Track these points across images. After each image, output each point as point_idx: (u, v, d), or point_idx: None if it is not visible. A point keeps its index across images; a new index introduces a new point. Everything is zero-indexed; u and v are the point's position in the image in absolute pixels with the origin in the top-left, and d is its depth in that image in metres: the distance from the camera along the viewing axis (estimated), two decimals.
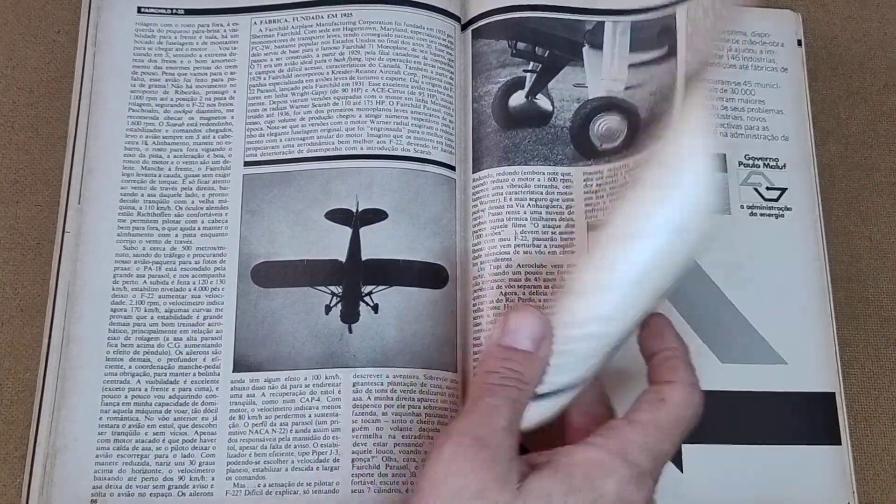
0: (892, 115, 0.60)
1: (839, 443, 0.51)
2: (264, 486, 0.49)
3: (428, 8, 0.56)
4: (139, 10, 0.56)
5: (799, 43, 0.59)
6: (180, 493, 0.48)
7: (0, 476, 0.51)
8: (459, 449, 0.36)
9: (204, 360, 0.51)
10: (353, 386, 0.50)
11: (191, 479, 0.49)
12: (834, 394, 0.51)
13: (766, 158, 0.55)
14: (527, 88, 0.55)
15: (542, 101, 0.55)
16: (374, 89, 0.54)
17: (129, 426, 0.49)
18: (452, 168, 0.54)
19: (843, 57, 0.62)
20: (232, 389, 0.50)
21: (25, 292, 0.54)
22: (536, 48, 0.56)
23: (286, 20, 0.56)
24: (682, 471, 0.49)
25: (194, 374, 0.50)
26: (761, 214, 0.54)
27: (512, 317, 0.40)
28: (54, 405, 0.49)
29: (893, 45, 0.62)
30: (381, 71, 0.54)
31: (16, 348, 0.53)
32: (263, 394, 0.50)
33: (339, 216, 0.52)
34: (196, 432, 0.49)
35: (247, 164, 0.54)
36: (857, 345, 0.56)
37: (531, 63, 0.55)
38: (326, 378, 0.50)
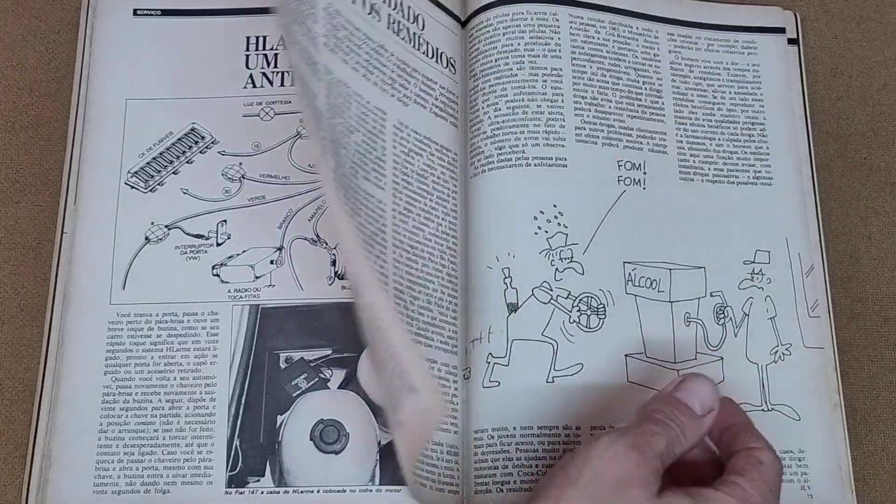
0: (891, 115, 0.60)
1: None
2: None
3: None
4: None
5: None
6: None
7: (0, 476, 0.51)
8: (617, 444, 0.41)
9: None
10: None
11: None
12: None
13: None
14: None
15: None
16: None
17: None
18: None
19: (842, 57, 0.62)
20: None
21: (25, 292, 0.54)
22: None
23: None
24: None
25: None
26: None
27: (693, 380, 0.44)
28: (51, 405, 0.50)
29: (893, 44, 0.62)
30: None
31: (16, 348, 0.53)
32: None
33: None
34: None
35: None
36: (857, 345, 0.56)
37: None
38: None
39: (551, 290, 0.52)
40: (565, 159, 0.54)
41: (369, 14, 0.51)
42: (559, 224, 0.53)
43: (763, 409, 0.52)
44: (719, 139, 0.56)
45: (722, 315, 0.53)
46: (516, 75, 0.55)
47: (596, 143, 0.55)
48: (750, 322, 0.54)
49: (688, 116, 0.57)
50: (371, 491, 0.48)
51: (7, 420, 0.52)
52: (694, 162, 0.56)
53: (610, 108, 0.55)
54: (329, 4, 0.48)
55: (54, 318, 0.51)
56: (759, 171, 0.56)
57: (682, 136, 0.56)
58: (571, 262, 0.52)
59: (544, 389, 0.50)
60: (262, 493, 0.49)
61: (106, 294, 0.52)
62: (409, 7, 0.55)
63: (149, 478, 0.49)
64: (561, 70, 0.55)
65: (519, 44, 0.55)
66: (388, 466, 0.49)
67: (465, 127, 0.55)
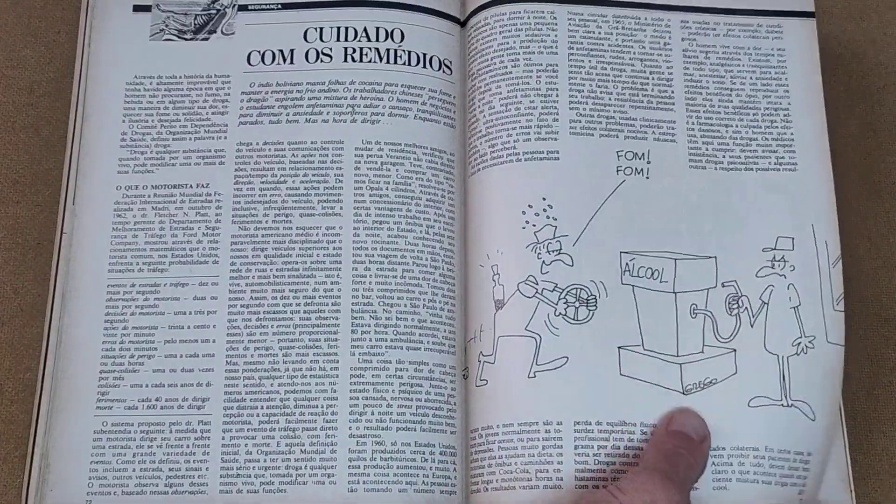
0: (891, 115, 0.60)
1: None
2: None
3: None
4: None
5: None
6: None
7: (0, 476, 0.51)
8: (654, 478, 0.45)
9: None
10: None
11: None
12: None
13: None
14: None
15: None
16: None
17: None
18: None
19: (842, 57, 0.62)
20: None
21: (25, 292, 0.54)
22: None
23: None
24: None
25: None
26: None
27: (682, 414, 0.49)
28: (49, 405, 0.50)
29: (893, 44, 0.62)
30: None
31: (16, 348, 0.53)
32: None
33: None
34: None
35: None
36: (857, 345, 0.56)
37: None
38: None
39: (536, 284, 0.51)
40: (557, 152, 0.53)
41: (315, 61, 0.55)
42: (548, 217, 0.52)
43: (782, 405, 0.50)
44: (737, 125, 0.55)
45: (735, 305, 0.52)
46: (510, 73, 0.55)
47: (592, 135, 0.54)
48: (770, 311, 0.52)
49: (701, 104, 0.56)
50: None
51: (7, 420, 0.52)
52: (707, 150, 0.55)
53: (610, 99, 0.55)
54: (252, 84, 0.55)
55: (54, 318, 0.51)
56: (782, 157, 0.55)
57: (693, 123, 0.55)
58: (560, 254, 0.52)
59: (525, 385, 0.50)
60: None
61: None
62: (377, 28, 0.56)
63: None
64: (557, 65, 0.55)
65: (514, 42, 0.55)
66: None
67: (463, 127, 0.56)
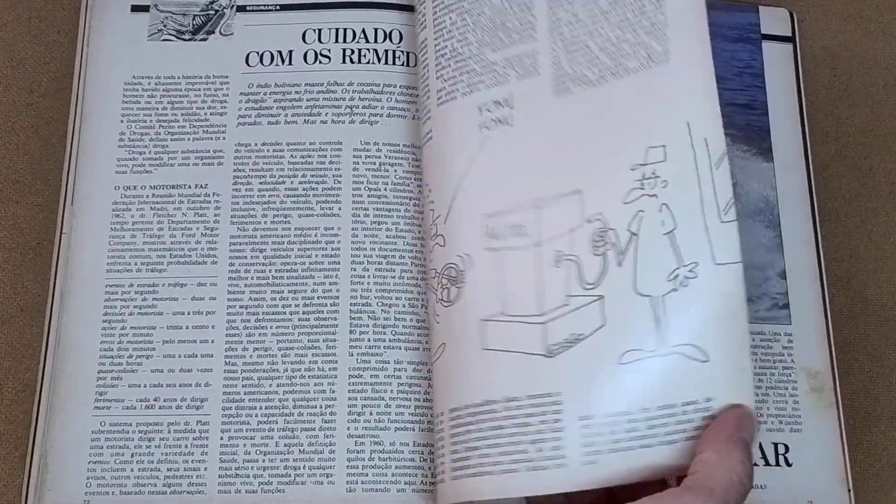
0: (891, 115, 0.60)
1: None
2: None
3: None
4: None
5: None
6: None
7: (0, 476, 0.51)
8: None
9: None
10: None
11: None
12: None
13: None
14: None
15: None
16: None
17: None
18: None
19: (842, 57, 0.62)
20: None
21: (25, 292, 0.54)
22: None
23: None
24: None
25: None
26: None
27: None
28: (48, 405, 0.50)
29: (893, 44, 0.62)
30: None
31: (16, 348, 0.53)
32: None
33: None
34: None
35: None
36: (857, 345, 0.56)
37: None
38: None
39: (426, 274, 0.51)
40: (430, 132, 0.52)
41: (314, 62, 0.55)
42: (431, 202, 0.50)
43: (658, 355, 0.43)
44: (604, 29, 0.49)
45: (601, 242, 0.45)
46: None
47: (455, 99, 0.51)
48: (640, 243, 0.44)
49: (564, 19, 0.49)
50: None
51: (7, 420, 0.52)
52: (572, 70, 0.48)
53: (470, 51, 0.51)
54: (250, 84, 0.55)
55: (53, 318, 0.51)
56: (654, 49, 0.47)
57: (558, 45, 0.49)
58: (436, 236, 0.50)
59: (422, 380, 0.50)
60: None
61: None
62: (376, 29, 0.56)
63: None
64: (426, 41, 0.53)
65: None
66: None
67: None
